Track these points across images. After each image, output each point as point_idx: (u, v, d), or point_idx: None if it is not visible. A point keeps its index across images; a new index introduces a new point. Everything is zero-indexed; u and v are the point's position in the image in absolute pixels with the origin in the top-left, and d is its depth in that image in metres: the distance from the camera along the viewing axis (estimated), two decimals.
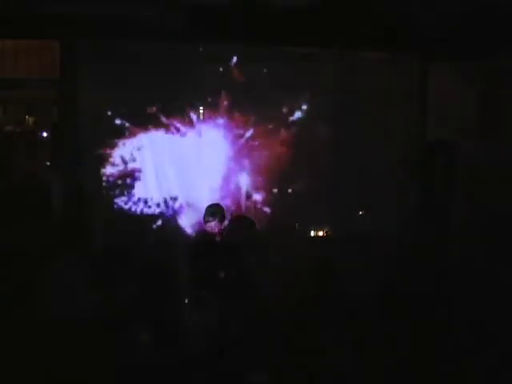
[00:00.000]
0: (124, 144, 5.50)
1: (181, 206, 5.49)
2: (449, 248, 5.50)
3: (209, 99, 5.63)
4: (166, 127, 5.58)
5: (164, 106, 5.50)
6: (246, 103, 5.61)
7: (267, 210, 5.82)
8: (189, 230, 5.53)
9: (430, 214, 5.83)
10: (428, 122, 6.05)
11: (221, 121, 5.69)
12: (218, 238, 4.44)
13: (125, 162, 5.51)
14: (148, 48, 5.29)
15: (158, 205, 5.57)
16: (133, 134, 5.50)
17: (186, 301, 2.93)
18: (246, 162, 5.77)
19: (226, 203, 5.42)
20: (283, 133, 5.80)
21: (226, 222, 4.60)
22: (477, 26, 5.05)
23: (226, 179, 5.73)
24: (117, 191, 5.48)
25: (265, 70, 5.65)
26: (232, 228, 4.94)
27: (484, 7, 4.70)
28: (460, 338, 3.46)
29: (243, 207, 5.73)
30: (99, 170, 5.41)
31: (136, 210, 5.53)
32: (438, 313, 3.71)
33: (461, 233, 5.50)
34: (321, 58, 5.71)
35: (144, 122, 5.48)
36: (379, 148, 5.70)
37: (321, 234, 5.48)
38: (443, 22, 5.24)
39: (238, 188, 5.76)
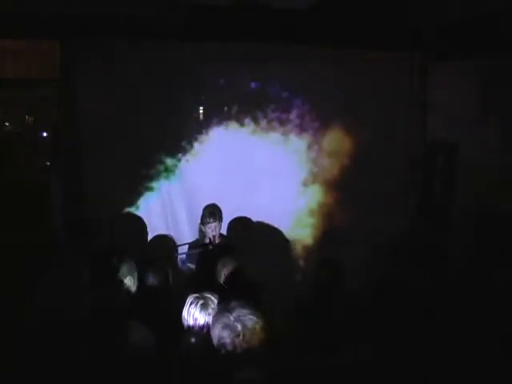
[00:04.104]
0: None
1: None
2: (448, 248, 5.51)
3: None
4: None
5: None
6: None
7: None
8: None
9: (430, 214, 5.84)
10: (428, 122, 6.06)
11: None
12: (217, 240, 4.46)
13: None
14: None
15: None
16: None
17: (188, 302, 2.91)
18: None
19: None
20: None
21: None
22: (477, 26, 5.06)
23: None
24: None
25: None
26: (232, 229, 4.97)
27: (484, 7, 4.71)
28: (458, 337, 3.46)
29: None
30: None
31: None
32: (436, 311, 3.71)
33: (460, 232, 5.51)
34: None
35: None
36: (379, 148, 5.72)
37: None
38: (443, 21, 5.26)
39: None
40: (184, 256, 4.81)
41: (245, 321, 2.41)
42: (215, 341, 2.46)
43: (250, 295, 3.42)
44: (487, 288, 4.30)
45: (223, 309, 2.51)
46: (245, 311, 2.44)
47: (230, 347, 2.41)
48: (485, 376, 3.15)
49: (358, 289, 3.96)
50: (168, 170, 5.56)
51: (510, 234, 5.04)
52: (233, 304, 2.50)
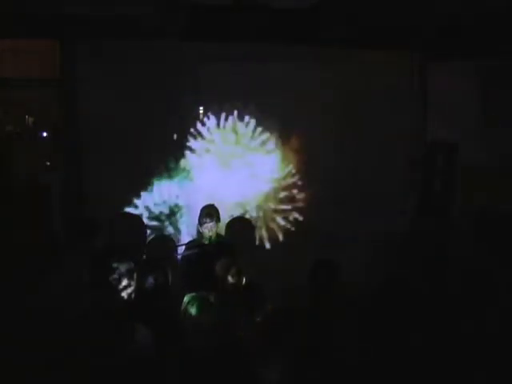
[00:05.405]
0: None
1: None
2: (448, 248, 5.51)
3: None
4: None
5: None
6: None
7: None
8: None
9: (430, 215, 5.84)
10: (428, 122, 6.06)
11: None
12: (214, 240, 4.45)
13: None
14: None
15: None
16: None
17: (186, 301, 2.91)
18: None
19: None
20: None
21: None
22: (476, 26, 5.07)
23: None
24: None
25: None
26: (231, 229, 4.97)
27: (484, 7, 4.72)
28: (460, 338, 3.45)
29: None
30: None
31: None
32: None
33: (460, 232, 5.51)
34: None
35: None
36: (379, 148, 5.72)
37: None
38: (443, 21, 5.26)
39: None
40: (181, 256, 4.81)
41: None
42: None
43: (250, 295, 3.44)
44: (487, 288, 4.29)
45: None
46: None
47: None
48: (485, 375, 3.15)
49: (358, 289, 3.95)
50: (168, 170, 5.56)
51: (510, 234, 5.03)
52: None
